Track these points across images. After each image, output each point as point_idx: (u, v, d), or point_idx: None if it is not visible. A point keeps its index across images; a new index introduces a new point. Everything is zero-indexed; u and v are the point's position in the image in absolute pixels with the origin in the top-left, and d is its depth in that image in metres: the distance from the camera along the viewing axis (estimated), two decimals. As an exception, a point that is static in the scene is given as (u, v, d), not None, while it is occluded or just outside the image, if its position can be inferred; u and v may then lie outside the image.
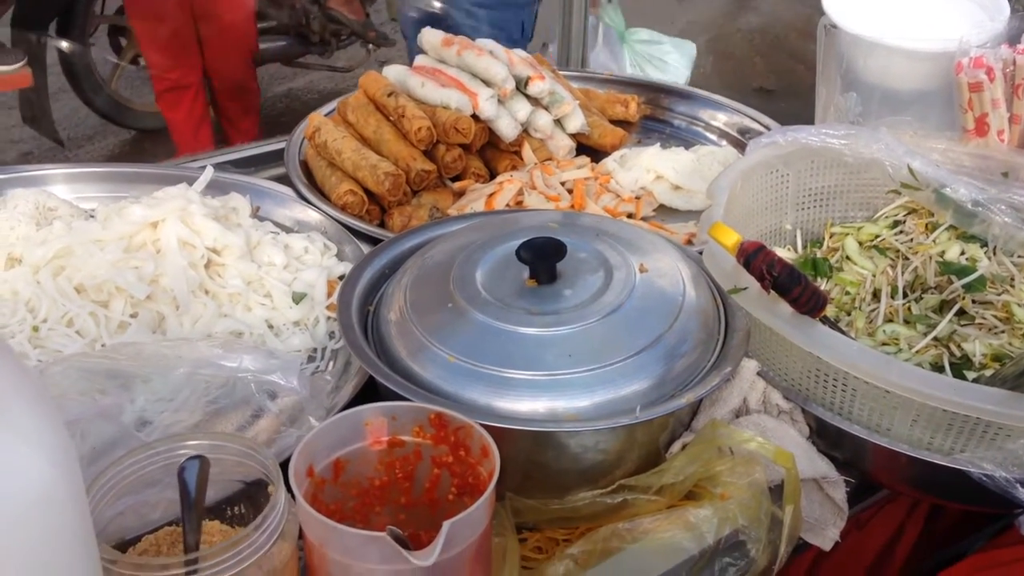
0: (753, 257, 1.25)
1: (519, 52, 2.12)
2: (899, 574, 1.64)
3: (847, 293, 1.57)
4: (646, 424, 1.19)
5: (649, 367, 1.22)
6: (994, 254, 1.58)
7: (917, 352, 1.43)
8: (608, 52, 3.02)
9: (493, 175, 2.00)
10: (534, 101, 2.06)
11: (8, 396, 0.73)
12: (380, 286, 1.42)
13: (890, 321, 1.50)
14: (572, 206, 1.87)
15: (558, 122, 2.10)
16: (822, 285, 1.60)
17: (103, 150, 4.79)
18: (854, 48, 1.94)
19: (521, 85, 2.04)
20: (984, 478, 1.17)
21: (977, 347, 1.41)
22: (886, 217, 1.70)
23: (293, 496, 0.97)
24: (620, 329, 1.24)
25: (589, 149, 2.14)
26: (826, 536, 1.31)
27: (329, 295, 1.56)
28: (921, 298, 1.52)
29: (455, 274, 1.31)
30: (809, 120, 2.04)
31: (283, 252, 1.61)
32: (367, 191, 1.83)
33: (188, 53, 3.92)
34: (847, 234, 1.67)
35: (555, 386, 1.19)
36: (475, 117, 1.95)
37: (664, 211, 1.95)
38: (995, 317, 1.47)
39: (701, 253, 1.45)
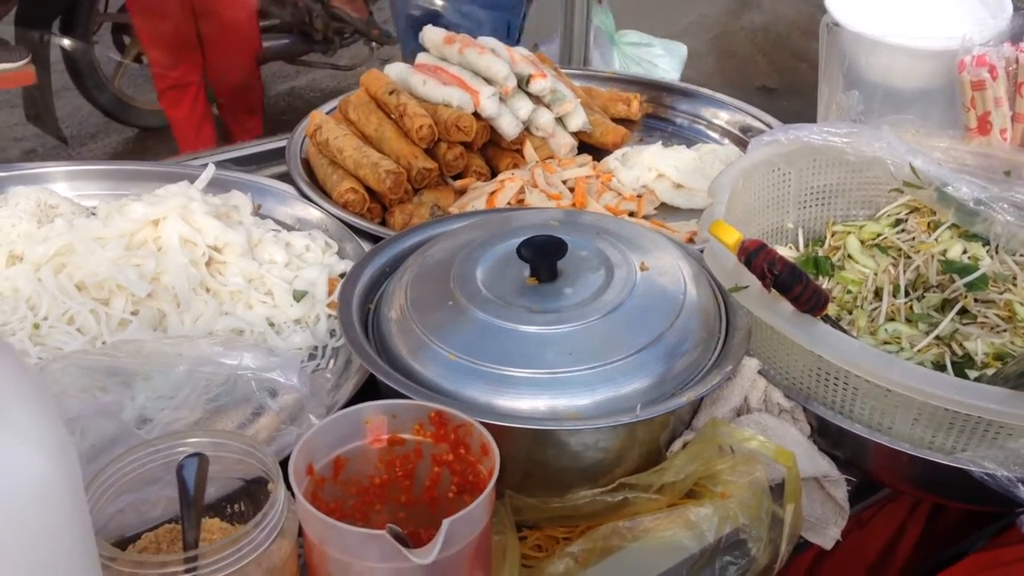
0: (754, 255, 1.25)
1: (521, 50, 2.12)
2: (900, 573, 1.64)
3: (849, 292, 1.57)
4: (647, 422, 1.19)
5: (650, 365, 1.21)
6: (996, 253, 1.58)
7: (919, 351, 1.43)
8: (598, 54, 3.01)
9: (494, 173, 2.00)
10: (536, 99, 2.06)
11: (7, 393, 0.73)
12: (381, 284, 1.42)
13: (892, 320, 1.49)
14: (573, 204, 1.87)
15: (560, 120, 2.10)
16: (824, 284, 1.59)
17: (106, 148, 4.79)
18: (856, 46, 1.93)
19: (523, 83, 2.04)
20: (985, 477, 1.17)
21: (979, 346, 1.41)
22: (888, 216, 1.69)
23: (293, 494, 0.97)
24: (621, 327, 1.24)
25: (591, 147, 2.14)
26: (827, 535, 1.31)
27: (330, 293, 1.56)
28: (923, 297, 1.52)
29: (456, 272, 1.31)
30: (812, 119, 2.04)
31: (284, 250, 1.61)
32: (368, 189, 1.83)
33: (189, 51, 3.92)
34: (849, 232, 1.67)
35: (556, 384, 1.18)
36: (476, 115, 1.95)
37: (666, 209, 1.95)
38: (997, 316, 1.46)
39: (702, 252, 1.45)
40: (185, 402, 1.25)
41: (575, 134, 2.12)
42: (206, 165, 1.78)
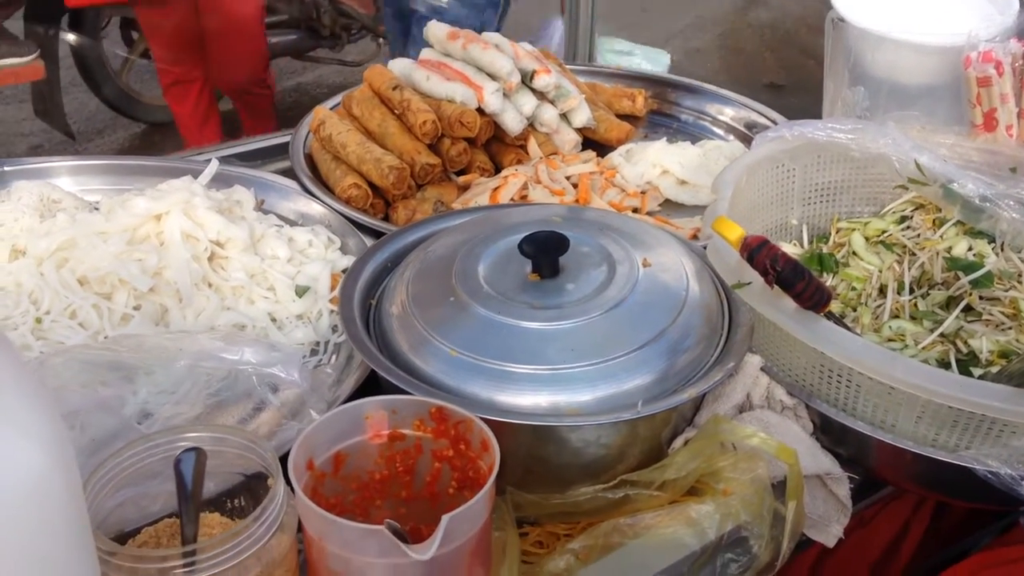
0: (757, 252, 1.24)
1: (525, 45, 2.12)
2: (904, 571, 1.63)
3: (853, 289, 1.56)
4: (648, 419, 1.18)
5: (652, 362, 1.21)
6: (1002, 250, 1.57)
7: (923, 348, 1.42)
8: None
9: (498, 169, 2.00)
10: (540, 95, 2.05)
11: (4, 387, 0.72)
12: (383, 280, 1.42)
13: (896, 317, 1.49)
14: (577, 200, 1.86)
15: (564, 116, 2.10)
16: (828, 281, 1.59)
17: (113, 143, 4.80)
18: (862, 42, 1.93)
19: (527, 79, 2.03)
20: (989, 475, 1.16)
21: (984, 343, 1.40)
22: (893, 212, 1.69)
23: (292, 489, 0.97)
24: (623, 324, 1.24)
25: (595, 143, 2.13)
26: (830, 533, 1.31)
27: (333, 288, 1.55)
28: (928, 294, 1.51)
29: (457, 268, 1.31)
30: (818, 115, 2.03)
31: (287, 245, 1.61)
32: (371, 184, 1.83)
33: (193, 47, 3.89)
34: (853, 229, 1.67)
35: (557, 380, 1.18)
36: (480, 111, 1.94)
37: (670, 206, 1.94)
38: (1002, 313, 1.46)
39: (705, 248, 1.45)
40: (186, 397, 1.25)
41: (579, 130, 2.11)
42: (209, 160, 1.78)
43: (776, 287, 1.25)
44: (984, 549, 1.50)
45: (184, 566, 0.91)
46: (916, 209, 1.68)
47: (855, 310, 1.52)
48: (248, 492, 1.07)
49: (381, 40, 4.77)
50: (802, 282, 1.23)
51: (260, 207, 1.75)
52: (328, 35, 4.79)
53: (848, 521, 1.30)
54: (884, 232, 1.65)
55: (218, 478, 1.05)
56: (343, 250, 1.68)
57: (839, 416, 1.28)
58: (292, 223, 1.75)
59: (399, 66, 2.07)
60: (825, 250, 1.65)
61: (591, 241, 1.35)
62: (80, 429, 1.14)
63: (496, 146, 2.04)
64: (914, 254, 1.58)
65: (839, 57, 1.97)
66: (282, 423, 1.28)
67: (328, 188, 1.85)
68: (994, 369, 1.36)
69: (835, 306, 1.52)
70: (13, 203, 1.60)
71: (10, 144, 4.70)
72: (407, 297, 1.30)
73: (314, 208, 1.78)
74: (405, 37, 3.38)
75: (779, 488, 1.22)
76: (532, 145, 2.03)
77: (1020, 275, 1.52)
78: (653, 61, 3.00)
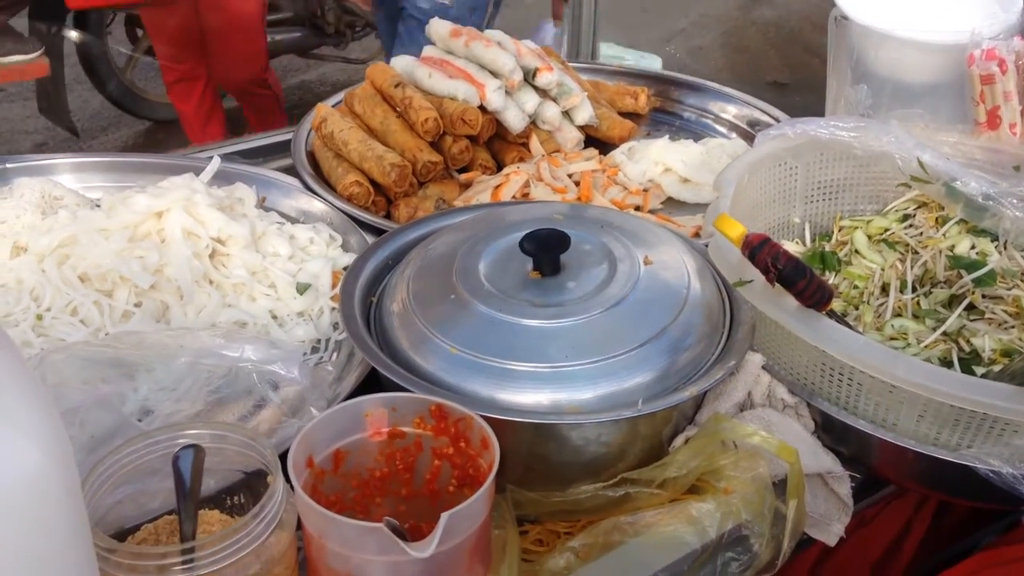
0: (758, 250, 1.24)
1: (528, 43, 2.11)
2: (906, 571, 1.63)
3: (856, 287, 1.56)
4: (649, 417, 1.18)
5: (653, 360, 1.21)
6: (1004, 248, 1.56)
7: (926, 347, 1.42)
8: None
9: (500, 167, 2.00)
10: (542, 93, 2.05)
11: (2, 386, 0.72)
12: (384, 277, 1.42)
13: (899, 316, 1.48)
14: (579, 198, 1.86)
15: (566, 114, 2.09)
16: (830, 279, 1.58)
17: (117, 141, 4.80)
18: (865, 40, 1.92)
19: (529, 76, 2.03)
20: (991, 474, 1.16)
21: (986, 342, 1.39)
22: (896, 211, 1.68)
23: (292, 486, 0.97)
24: (624, 321, 1.23)
25: (597, 141, 2.13)
26: (831, 532, 1.30)
27: (334, 286, 1.55)
28: (930, 292, 1.51)
29: (458, 265, 1.31)
30: (822, 114, 2.03)
31: (288, 242, 1.61)
32: (373, 182, 1.83)
33: (196, 45, 3.88)
34: (856, 227, 1.66)
35: (558, 378, 1.18)
36: (482, 108, 1.94)
37: (672, 204, 1.94)
38: (1005, 312, 1.45)
39: (707, 246, 1.44)
40: (186, 394, 1.25)
41: (582, 128, 2.11)
42: (212, 157, 1.78)
43: (778, 285, 1.24)
44: (986, 548, 1.50)
45: (183, 563, 0.91)
46: (919, 207, 1.67)
47: (857, 308, 1.52)
48: (248, 489, 1.07)
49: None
50: (804, 280, 1.22)
51: (262, 204, 1.75)
52: (332, 33, 4.78)
53: (849, 520, 1.30)
54: (887, 230, 1.65)
55: (218, 475, 1.05)
56: (344, 247, 1.67)
57: (840, 415, 1.28)
58: (293, 220, 1.75)
59: (401, 63, 2.07)
60: (827, 248, 1.65)
61: (592, 239, 1.35)
62: (80, 426, 1.14)
63: (498, 144, 2.04)
64: (917, 252, 1.58)
65: (842, 55, 1.96)
66: (282, 420, 1.27)
67: (330, 185, 1.85)
68: (996, 368, 1.36)
69: (837, 304, 1.51)
70: (15, 200, 1.61)
71: (14, 141, 4.70)
72: (408, 295, 1.29)
73: (316, 205, 1.78)
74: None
75: (780, 487, 1.21)
76: (534, 143, 2.03)
77: (1023, 273, 1.51)
78: (644, 65, 3.01)
